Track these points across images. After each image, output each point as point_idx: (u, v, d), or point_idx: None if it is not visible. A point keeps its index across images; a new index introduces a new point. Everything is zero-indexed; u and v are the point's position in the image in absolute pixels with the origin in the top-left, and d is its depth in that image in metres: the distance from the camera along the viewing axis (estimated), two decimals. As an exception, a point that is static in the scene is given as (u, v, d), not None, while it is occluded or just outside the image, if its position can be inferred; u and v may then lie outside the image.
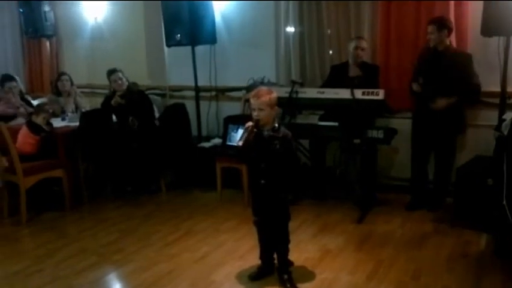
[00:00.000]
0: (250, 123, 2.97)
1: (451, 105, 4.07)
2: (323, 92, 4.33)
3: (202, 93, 5.76)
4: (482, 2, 3.91)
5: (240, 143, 2.93)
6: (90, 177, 5.09)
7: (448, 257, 3.50)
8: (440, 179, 4.37)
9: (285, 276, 3.13)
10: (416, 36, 4.58)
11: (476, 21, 4.10)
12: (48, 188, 4.86)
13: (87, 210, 4.81)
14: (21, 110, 5.48)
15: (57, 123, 5.08)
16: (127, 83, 5.11)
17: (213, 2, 5.44)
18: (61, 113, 5.46)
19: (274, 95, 3.04)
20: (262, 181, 3.03)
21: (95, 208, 4.83)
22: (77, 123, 4.96)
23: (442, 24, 4.07)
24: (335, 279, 3.22)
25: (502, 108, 4.04)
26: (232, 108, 5.57)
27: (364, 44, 4.63)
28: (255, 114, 2.99)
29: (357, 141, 4.10)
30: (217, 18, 5.55)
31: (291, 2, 5.19)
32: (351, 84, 4.21)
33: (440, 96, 4.07)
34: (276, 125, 3.04)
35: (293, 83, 4.43)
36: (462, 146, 4.48)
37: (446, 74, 4.07)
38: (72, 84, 5.73)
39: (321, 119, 4.56)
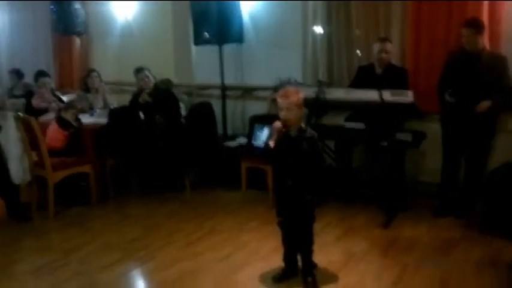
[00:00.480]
0: (278, 123, 2.95)
1: (491, 108, 3.93)
2: (350, 93, 4.28)
3: (228, 92, 5.76)
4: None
5: (272, 143, 2.91)
6: (116, 174, 5.14)
7: (476, 264, 3.41)
8: (470, 185, 4.25)
9: (309, 279, 3.09)
10: (447, 37, 4.48)
11: (510, 22, 4.00)
12: (76, 183, 4.94)
13: (113, 206, 4.87)
14: (53, 105, 5.59)
15: (85, 119, 5.15)
16: (154, 81, 5.15)
17: (241, 1, 5.43)
18: (89, 110, 5.55)
19: (302, 95, 3.03)
20: (289, 182, 3.00)
21: (120, 204, 4.89)
22: (105, 120, 5.02)
23: (479, 27, 3.95)
24: (359, 283, 3.17)
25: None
26: (258, 107, 5.56)
27: (389, 46, 4.53)
28: (282, 114, 2.97)
29: (384, 143, 4.03)
30: (245, 17, 5.55)
31: (319, 2, 5.14)
32: (379, 83, 4.14)
33: (478, 100, 3.93)
34: (303, 125, 3.02)
35: (320, 83, 4.39)
36: (494, 151, 4.36)
37: (482, 77, 3.94)
38: (101, 80, 5.81)
39: (347, 120, 4.51)
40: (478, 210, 4.15)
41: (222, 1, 5.23)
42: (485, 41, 4.11)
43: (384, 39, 4.59)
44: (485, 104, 3.90)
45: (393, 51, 4.58)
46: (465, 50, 4.02)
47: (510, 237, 3.72)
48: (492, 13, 4.23)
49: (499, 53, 4.11)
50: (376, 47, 4.55)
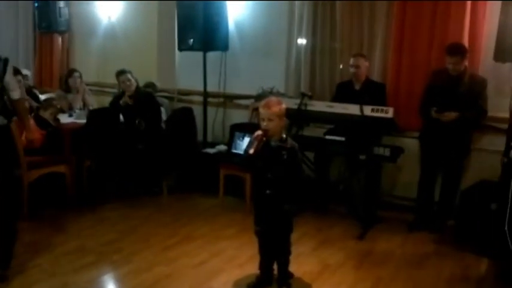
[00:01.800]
0: (259, 132, 2.97)
1: (458, 120, 4.04)
2: (332, 106, 4.34)
3: (210, 99, 5.77)
4: (496, 26, 3.93)
5: (252, 151, 2.91)
6: (93, 176, 5.08)
7: (448, 279, 3.48)
8: (446, 201, 4.35)
9: (284, 288, 3.12)
10: (428, 57, 4.58)
11: (489, 45, 4.12)
12: (51, 183, 4.86)
13: (89, 208, 4.79)
14: (25, 104, 5.47)
15: (64, 119, 5.10)
16: (136, 84, 5.12)
17: (228, 9, 5.46)
18: (68, 110, 5.48)
19: (284, 106, 3.05)
20: (268, 191, 3.02)
21: (96, 206, 4.82)
22: (84, 121, 4.97)
23: (463, 53, 4.06)
24: (333, 294, 3.21)
25: (510, 134, 4.03)
26: (240, 116, 5.58)
27: (362, 61, 4.61)
28: (264, 124, 2.99)
29: (362, 157, 4.10)
30: (231, 25, 5.58)
31: (305, 13, 5.20)
32: (359, 99, 4.22)
33: (457, 120, 4.06)
34: (284, 135, 3.05)
35: (303, 95, 4.43)
36: (467, 169, 4.47)
37: (462, 99, 4.07)
38: (81, 81, 5.75)
39: (327, 133, 4.57)
40: (451, 225, 4.24)
41: (208, 7, 5.23)
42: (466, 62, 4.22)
43: (356, 55, 4.69)
44: (452, 114, 4.03)
45: (365, 66, 4.64)
46: (448, 72, 4.13)
47: (480, 253, 3.81)
48: (472, 36, 4.35)
49: (479, 76, 4.22)
50: (350, 61, 4.65)
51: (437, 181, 4.43)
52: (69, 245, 3.89)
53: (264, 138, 2.96)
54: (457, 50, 4.05)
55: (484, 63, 4.33)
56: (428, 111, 4.17)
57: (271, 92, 5.09)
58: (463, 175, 4.38)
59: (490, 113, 4.25)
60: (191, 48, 5.42)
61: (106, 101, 5.44)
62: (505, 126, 4.14)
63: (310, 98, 4.46)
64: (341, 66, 5.16)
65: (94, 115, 4.99)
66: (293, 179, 3.04)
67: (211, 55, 5.58)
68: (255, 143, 2.92)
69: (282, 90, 5.28)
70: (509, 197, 3.23)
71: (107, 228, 4.27)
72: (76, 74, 5.69)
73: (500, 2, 3.90)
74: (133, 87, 5.08)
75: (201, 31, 5.26)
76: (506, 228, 3.22)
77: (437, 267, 3.67)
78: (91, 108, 5.45)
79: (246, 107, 5.54)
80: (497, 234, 3.39)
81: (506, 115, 4.09)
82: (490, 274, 3.56)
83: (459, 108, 4.05)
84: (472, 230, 3.93)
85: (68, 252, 3.75)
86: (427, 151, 4.39)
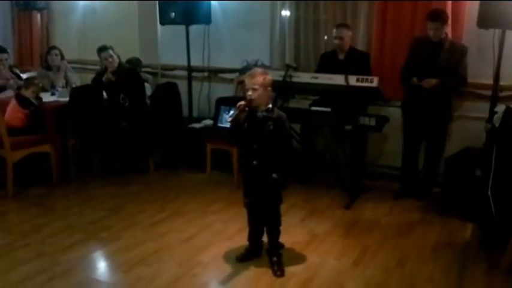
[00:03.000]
0: (242, 102, 2.96)
1: (438, 87, 4.05)
2: (317, 77, 4.32)
3: (194, 74, 5.71)
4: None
5: (230, 119, 2.92)
6: (78, 154, 5.04)
7: (433, 245, 3.54)
8: (430, 168, 4.39)
9: (274, 258, 3.14)
10: (412, 26, 4.55)
11: (472, 12, 4.11)
12: (36, 163, 4.81)
13: (75, 186, 4.77)
14: (11, 82, 5.39)
15: (46, 97, 5.02)
16: (118, 60, 5.04)
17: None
18: (51, 88, 5.39)
19: (269, 76, 3.04)
20: (255, 162, 3.02)
21: (83, 185, 4.79)
22: (67, 99, 4.89)
23: (444, 19, 4.05)
24: (322, 263, 3.24)
25: (494, 100, 4.06)
26: (225, 89, 5.54)
27: (345, 32, 4.56)
28: (248, 93, 2.97)
29: (348, 127, 4.10)
30: (213, -2, 5.48)
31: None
32: (343, 69, 4.20)
33: (437, 85, 4.06)
34: (270, 105, 3.03)
35: (287, 67, 4.40)
36: (452, 136, 4.51)
37: (443, 65, 4.07)
38: (62, 58, 5.64)
39: (313, 104, 4.56)
40: (437, 193, 4.29)
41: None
42: (447, 30, 4.21)
43: (340, 25, 4.64)
44: (432, 81, 4.04)
45: (349, 36, 4.59)
46: (429, 38, 4.12)
47: (466, 219, 3.87)
48: (455, 3, 4.33)
49: (460, 44, 4.22)
50: (333, 33, 4.61)
51: (421, 149, 4.46)
52: (57, 224, 3.87)
53: (247, 108, 2.94)
54: (438, 16, 4.04)
55: (468, 30, 4.32)
56: (409, 79, 4.18)
57: (255, 65, 5.05)
58: (446, 142, 4.41)
59: (474, 80, 4.27)
60: (173, 22, 5.33)
61: (89, 78, 5.34)
62: (489, 92, 4.17)
63: (295, 69, 4.43)
64: (325, 38, 5.13)
65: (77, 93, 4.91)
66: (281, 149, 3.03)
67: (194, 29, 5.50)
68: (236, 112, 2.91)
69: (266, 63, 5.23)
70: (493, 163, 3.26)
71: (94, 206, 4.25)
72: (54, 52, 5.57)
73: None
74: (115, 64, 4.99)
75: (182, 4, 5.18)
76: (489, 193, 3.26)
77: (423, 234, 3.72)
78: (73, 86, 5.36)
79: (231, 80, 5.50)
80: (481, 200, 3.43)
81: (490, 82, 4.12)
82: (475, 239, 3.63)
83: (439, 75, 4.05)
84: (457, 197, 3.98)
85: (56, 232, 3.74)
86: (409, 119, 4.39)
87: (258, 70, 3.08)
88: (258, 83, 2.95)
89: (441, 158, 4.32)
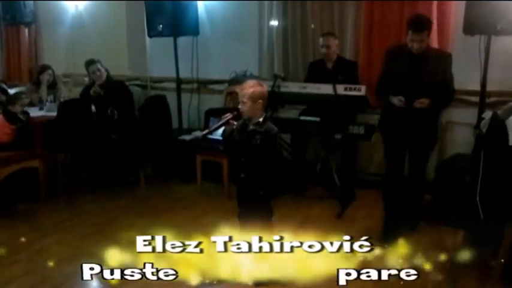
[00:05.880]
0: (228, 114, 2.95)
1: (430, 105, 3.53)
2: (305, 87, 4.34)
3: (183, 86, 5.71)
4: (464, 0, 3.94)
5: (206, 131, 2.93)
6: (67, 168, 5.00)
7: (424, 251, 3.51)
8: (415, 195, 3.94)
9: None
10: (399, 34, 4.57)
11: (459, 18, 4.14)
12: (25, 178, 4.76)
13: (64, 201, 4.74)
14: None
15: (34, 112, 4.98)
16: (106, 73, 5.02)
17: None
18: (38, 103, 5.36)
19: (260, 88, 2.99)
20: (242, 175, 3.01)
21: (72, 200, 4.75)
22: (55, 113, 4.86)
23: (430, 27, 3.54)
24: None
25: (482, 106, 4.09)
26: (214, 101, 5.54)
27: (331, 40, 4.54)
28: (239, 105, 2.96)
29: (337, 136, 4.11)
30: (201, 9, 5.49)
31: (275, -5, 5.16)
32: (331, 78, 4.20)
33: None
34: (261, 119, 3.00)
35: (275, 77, 4.41)
36: (443, 143, 4.51)
37: (428, 79, 3.54)
38: (55, 75, 5.59)
39: (302, 114, 4.56)
40: (428, 200, 4.28)
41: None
42: (434, 36, 4.20)
43: (326, 34, 4.64)
44: (425, 101, 3.49)
45: (336, 45, 4.59)
46: (407, 48, 3.55)
47: (456, 225, 3.86)
48: (441, 9, 4.37)
49: (444, 52, 3.91)
50: (320, 42, 4.60)
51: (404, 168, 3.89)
52: (46, 241, 3.83)
53: (232, 121, 2.94)
54: (423, 25, 3.45)
55: (454, 35, 4.36)
56: (387, 97, 3.63)
57: (244, 75, 5.06)
58: (438, 149, 4.39)
59: (462, 86, 4.28)
60: (161, 34, 5.34)
61: (78, 92, 5.32)
62: (477, 99, 4.19)
63: (283, 79, 4.44)
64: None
65: (65, 107, 4.89)
66: (268, 164, 2.99)
67: (182, 40, 5.50)
68: (216, 125, 2.92)
69: (255, 73, 5.26)
70: (480, 168, 3.26)
71: (84, 221, 4.21)
72: (48, 72, 5.50)
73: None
74: (103, 77, 4.98)
75: (170, 16, 5.20)
76: (477, 199, 3.26)
77: (414, 241, 3.70)
78: (62, 100, 5.33)
79: (221, 91, 5.51)
80: (470, 205, 3.43)
81: (477, 88, 4.14)
82: (466, 247, 3.61)
83: (425, 92, 3.50)
84: (448, 203, 3.98)
85: (45, 248, 3.69)
86: (391, 142, 3.80)
87: (250, 82, 3.03)
88: (246, 95, 2.93)
89: (424, 180, 3.93)
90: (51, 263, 3.39)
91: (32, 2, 6.63)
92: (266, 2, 5.22)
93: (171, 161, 5.28)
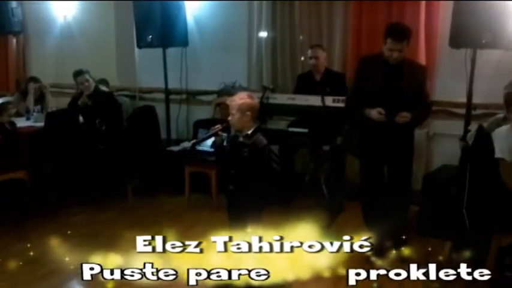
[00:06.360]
0: (218, 126, 2.95)
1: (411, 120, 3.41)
2: (294, 99, 4.37)
3: (172, 96, 5.70)
4: (451, 12, 3.98)
5: (194, 141, 2.92)
6: (54, 180, 4.94)
7: (412, 262, 3.52)
8: (399, 214, 3.81)
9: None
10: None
11: (445, 31, 4.18)
12: (11, 190, 4.71)
13: (50, 213, 4.67)
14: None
15: (21, 122, 4.95)
16: (94, 84, 5.00)
17: (186, 4, 5.38)
18: (25, 113, 5.32)
19: (248, 100, 2.94)
20: (231, 187, 3.00)
21: (59, 211, 4.69)
22: (42, 124, 4.83)
23: (410, 36, 3.41)
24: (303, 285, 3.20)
25: (468, 119, 4.12)
26: (203, 112, 5.54)
27: (320, 52, 4.60)
28: (229, 118, 2.97)
29: (326, 147, 4.12)
30: (190, 20, 5.51)
31: (264, 6, 5.18)
32: (320, 89, 4.23)
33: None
34: (249, 132, 2.97)
35: (264, 88, 4.43)
36: (430, 155, 4.54)
37: (404, 91, 3.41)
38: (43, 87, 5.57)
39: (291, 125, 4.57)
40: (415, 211, 4.29)
41: (166, 2, 5.17)
42: (421, 48, 4.25)
43: (314, 46, 4.69)
44: (407, 115, 3.35)
45: (324, 57, 4.63)
46: (383, 59, 3.41)
47: (443, 237, 3.87)
48: (428, 21, 4.42)
49: (420, 64, 3.88)
50: (308, 54, 4.64)
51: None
52: (30, 254, 3.76)
53: (220, 132, 2.93)
54: (405, 34, 3.31)
55: (441, 48, 4.40)
56: (363, 110, 3.44)
57: (233, 87, 5.06)
58: (425, 160, 4.42)
59: (449, 98, 4.33)
60: (150, 45, 5.34)
61: (66, 102, 5.29)
62: (463, 111, 4.23)
63: (272, 91, 4.46)
64: (302, 58, 5.17)
65: (52, 117, 4.86)
66: (256, 177, 2.97)
67: (171, 51, 5.50)
68: (203, 137, 2.92)
69: (244, 84, 5.27)
70: (467, 180, 3.28)
71: (70, 233, 4.15)
72: (35, 85, 5.48)
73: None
74: (91, 88, 4.96)
75: (159, 27, 5.20)
76: (464, 210, 3.27)
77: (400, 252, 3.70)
78: (49, 110, 5.30)
79: (209, 102, 5.51)
80: (457, 217, 3.44)
81: (464, 100, 4.18)
82: (453, 258, 3.62)
83: (403, 104, 3.37)
84: (435, 215, 3.99)
85: (30, 261, 3.62)
86: (369, 158, 3.63)
87: (240, 94, 3.00)
88: (235, 107, 2.92)
89: (411, 192, 3.89)
90: (36, 276, 3.37)
91: (21, 11, 6.59)
92: (255, 12, 5.24)
93: (159, 172, 5.24)
